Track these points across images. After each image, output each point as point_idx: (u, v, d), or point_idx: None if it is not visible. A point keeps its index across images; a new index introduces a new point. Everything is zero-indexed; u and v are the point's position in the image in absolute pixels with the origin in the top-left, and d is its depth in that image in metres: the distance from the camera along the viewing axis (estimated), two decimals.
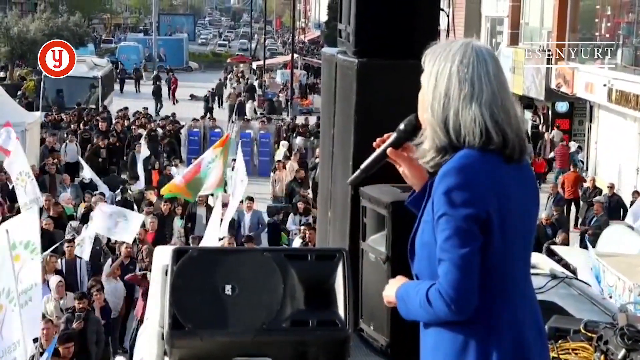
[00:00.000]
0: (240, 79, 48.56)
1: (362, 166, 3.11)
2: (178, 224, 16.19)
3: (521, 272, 2.78)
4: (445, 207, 2.62)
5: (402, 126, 2.99)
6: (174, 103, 43.13)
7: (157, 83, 43.59)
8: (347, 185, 4.90)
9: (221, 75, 53.04)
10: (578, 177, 21.70)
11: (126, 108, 32.00)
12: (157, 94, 41.92)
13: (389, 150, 2.99)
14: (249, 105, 39.01)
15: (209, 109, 38.41)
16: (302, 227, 14.64)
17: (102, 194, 16.96)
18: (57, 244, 13.21)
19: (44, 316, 10.27)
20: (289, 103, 40.47)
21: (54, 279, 11.52)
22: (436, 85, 2.70)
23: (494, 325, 2.68)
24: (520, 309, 2.73)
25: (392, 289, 2.86)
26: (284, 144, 25.81)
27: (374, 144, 3.06)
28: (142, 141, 22.81)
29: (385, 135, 3.04)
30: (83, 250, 13.07)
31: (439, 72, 2.70)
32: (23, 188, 15.22)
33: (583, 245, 14.46)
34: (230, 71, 54.41)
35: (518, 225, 2.74)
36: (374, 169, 3.10)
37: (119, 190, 18.17)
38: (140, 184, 20.17)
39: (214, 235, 12.31)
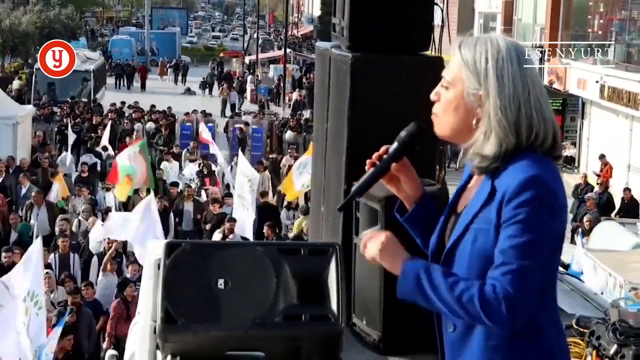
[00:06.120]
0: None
1: (355, 188, 2.74)
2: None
3: None
4: (529, 215, 2.39)
5: (403, 134, 2.67)
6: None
7: (240, 79, 42.12)
8: (340, 179, 4.89)
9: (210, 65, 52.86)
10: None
11: (123, 103, 31.83)
12: (241, 91, 40.54)
13: (394, 166, 2.68)
14: (233, 94, 38.92)
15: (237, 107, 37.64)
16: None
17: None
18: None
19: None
20: None
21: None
22: (502, 86, 2.46)
23: (561, 336, 2.60)
24: None
25: (386, 248, 2.65)
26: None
27: (368, 162, 2.71)
28: (134, 135, 22.81)
29: (382, 150, 2.71)
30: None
31: (501, 72, 2.46)
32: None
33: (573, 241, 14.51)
34: (218, 63, 54.17)
35: None
36: (368, 189, 2.74)
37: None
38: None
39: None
